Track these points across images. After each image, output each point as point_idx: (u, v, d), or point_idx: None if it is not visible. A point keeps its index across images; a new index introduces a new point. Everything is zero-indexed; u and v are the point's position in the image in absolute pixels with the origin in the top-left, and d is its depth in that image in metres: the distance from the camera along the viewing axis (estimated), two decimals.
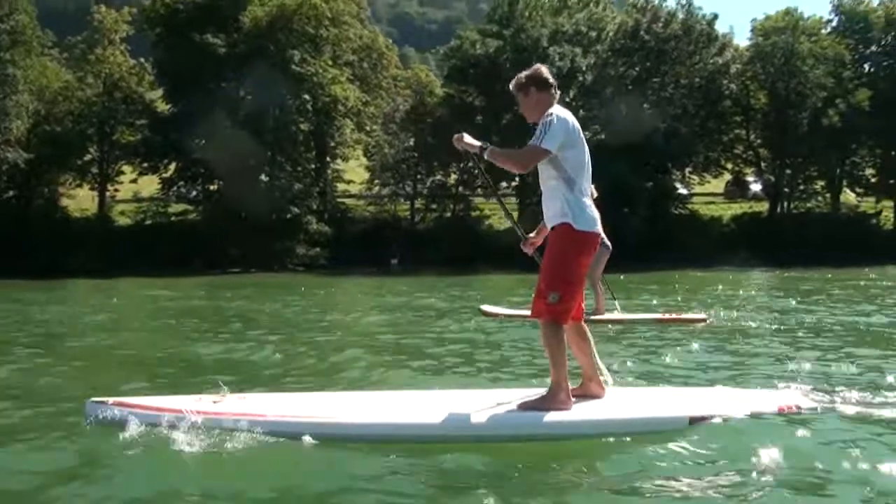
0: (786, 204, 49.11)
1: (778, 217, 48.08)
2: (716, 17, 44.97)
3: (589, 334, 5.01)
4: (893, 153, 48.66)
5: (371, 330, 11.46)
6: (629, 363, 7.16)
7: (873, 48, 49.44)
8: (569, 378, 4.72)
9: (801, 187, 49.10)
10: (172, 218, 43.51)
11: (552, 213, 4.79)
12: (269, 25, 41.51)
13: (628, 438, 4.31)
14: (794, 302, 14.89)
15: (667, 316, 11.33)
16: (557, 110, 4.74)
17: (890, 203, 49.89)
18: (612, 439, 4.32)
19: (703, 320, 10.87)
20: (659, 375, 6.62)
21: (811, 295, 17.24)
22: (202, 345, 9.50)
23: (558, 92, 4.90)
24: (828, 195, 49.32)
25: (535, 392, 4.83)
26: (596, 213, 4.84)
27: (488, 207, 48.39)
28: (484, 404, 4.66)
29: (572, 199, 4.70)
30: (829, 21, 50.07)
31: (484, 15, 49.95)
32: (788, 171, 48.00)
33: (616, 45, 43.37)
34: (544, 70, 4.90)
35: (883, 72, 48.78)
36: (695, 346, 8.32)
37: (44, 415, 5.45)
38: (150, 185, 44.88)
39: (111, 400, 4.67)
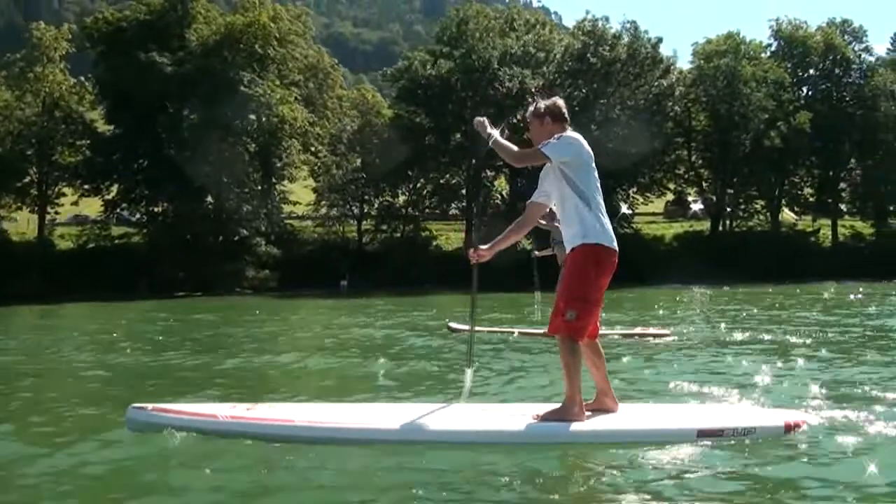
0: (727, 223, 50.20)
1: (720, 236, 49.10)
2: (660, 40, 45.83)
3: (602, 351, 5.15)
4: (831, 173, 50.24)
5: (356, 349, 11.40)
6: (617, 380, 7.14)
7: (811, 72, 51.01)
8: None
9: (742, 207, 50.29)
10: (116, 241, 42.40)
11: (571, 233, 4.92)
12: (216, 44, 40.93)
13: (639, 450, 4.44)
14: (755, 312, 15.59)
15: (634, 331, 11.57)
16: (569, 132, 4.96)
17: (827, 221, 51.40)
18: (621, 450, 4.47)
19: (668, 335, 11.24)
20: (648, 391, 6.71)
21: (770, 309, 17.80)
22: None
23: (570, 126, 5.04)
24: (767, 214, 50.61)
25: (546, 406, 5.03)
26: (612, 234, 4.94)
27: (436, 228, 48.47)
28: (503, 416, 4.98)
29: (591, 218, 4.84)
30: (769, 45, 51.54)
31: (433, 35, 50.15)
32: (730, 191, 49.06)
33: (564, 67, 43.79)
34: (562, 104, 5.08)
35: (820, 94, 50.38)
36: (676, 363, 8.49)
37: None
38: (92, 207, 43.74)
39: (151, 406, 5.02)
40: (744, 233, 49.30)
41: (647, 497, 3.74)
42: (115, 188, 42.73)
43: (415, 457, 4.40)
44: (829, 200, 50.55)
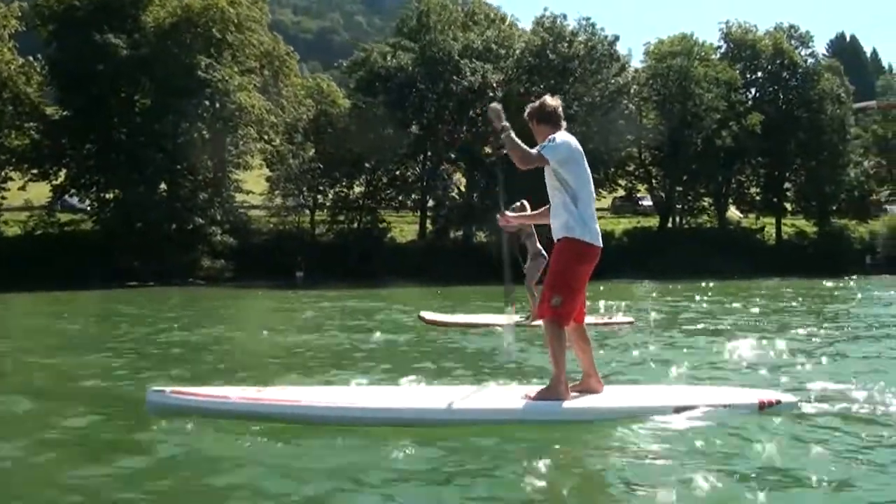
0: (677, 219, 51.23)
1: (668, 232, 50.08)
2: (617, 38, 46.46)
3: (588, 336, 5.55)
4: (776, 173, 51.66)
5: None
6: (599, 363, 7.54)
7: (759, 74, 52.29)
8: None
9: (691, 204, 51.35)
10: (65, 228, 41.13)
11: (558, 225, 5.30)
12: (172, 27, 39.97)
13: (620, 426, 4.80)
14: (704, 305, 16.63)
15: (599, 321, 11.86)
16: (560, 134, 5.26)
17: (771, 219, 52.88)
18: (605, 427, 4.83)
19: (631, 323, 11.95)
20: (623, 374, 7.13)
21: (724, 301, 18.91)
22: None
23: (564, 123, 5.37)
24: (715, 211, 51.80)
25: (532, 388, 5.39)
26: (597, 228, 5.31)
27: (390, 221, 48.38)
28: (496, 396, 5.41)
29: (577, 214, 5.20)
30: (719, 47, 52.65)
31: (373, 26, 49.96)
32: (679, 189, 50.01)
33: (523, 62, 44.01)
34: (552, 105, 5.39)
35: (768, 96, 51.69)
36: (652, 347, 9.10)
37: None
38: (40, 192, 42.40)
39: (169, 389, 5.25)
40: (693, 229, 50.38)
41: (630, 470, 4.03)
42: (63, 173, 41.37)
43: (410, 437, 4.59)
44: (775, 199, 51.99)
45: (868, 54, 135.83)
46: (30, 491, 4.09)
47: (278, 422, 4.92)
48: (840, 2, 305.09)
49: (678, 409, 4.97)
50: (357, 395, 5.59)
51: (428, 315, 12.71)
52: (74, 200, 44.98)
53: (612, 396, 5.34)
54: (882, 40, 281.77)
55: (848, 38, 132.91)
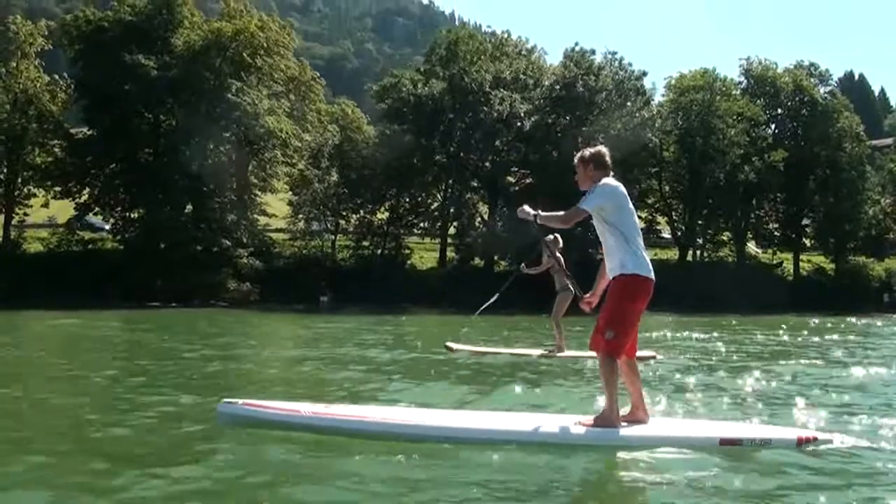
0: (698, 253, 51.21)
1: (688, 265, 49.99)
2: (645, 73, 46.73)
3: (638, 370, 5.87)
4: (795, 209, 51.80)
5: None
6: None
7: (780, 111, 52.61)
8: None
9: (711, 237, 51.35)
10: (89, 246, 40.81)
11: (613, 265, 5.62)
12: (202, 50, 40.00)
13: (667, 455, 5.09)
14: (721, 343, 16.04)
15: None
16: (607, 180, 5.63)
17: (788, 255, 52.94)
18: (653, 457, 5.08)
19: (653, 357, 11.68)
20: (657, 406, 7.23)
21: (748, 335, 19.04)
22: None
23: (610, 170, 5.70)
24: (733, 246, 51.84)
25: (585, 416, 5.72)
26: (649, 262, 5.62)
27: (415, 246, 48.30)
28: (552, 422, 5.67)
29: (630, 252, 5.53)
30: (740, 83, 52.98)
31: (424, 54, 50.22)
32: (700, 222, 50.02)
33: (552, 93, 44.15)
34: (605, 153, 5.74)
35: (787, 133, 51.96)
36: (680, 380, 9.07)
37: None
38: (65, 210, 42.13)
39: (241, 401, 5.48)
40: (714, 263, 50.36)
41: (671, 497, 4.29)
42: (86, 191, 41.13)
43: (476, 454, 5.00)
44: (793, 235, 52.09)
45: (876, 93, 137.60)
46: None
47: (346, 436, 5.26)
48: (849, 41, 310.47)
49: (723, 442, 5.27)
50: (420, 414, 5.94)
51: (454, 345, 12.61)
52: (95, 220, 44.72)
53: (659, 427, 5.65)
54: (890, 79, 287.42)
55: (857, 77, 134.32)
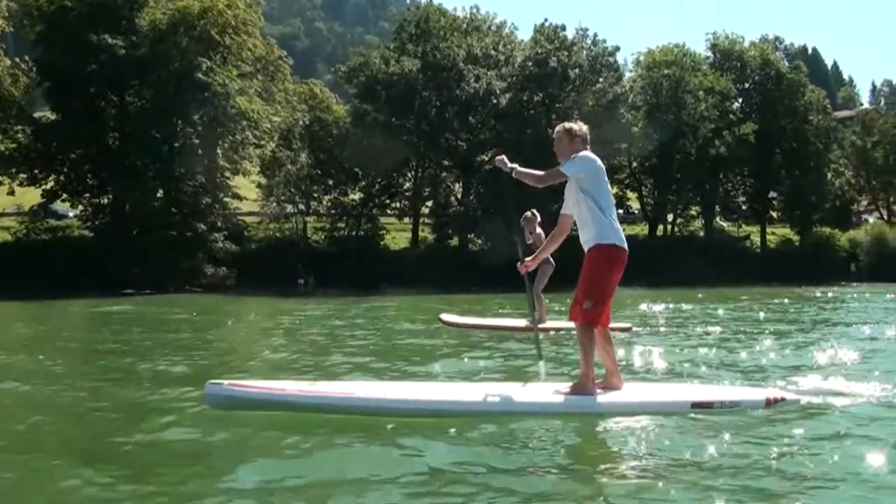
0: (668, 227, 51.67)
1: (657, 239, 50.47)
2: (618, 48, 46.71)
3: (612, 338, 6.02)
4: (762, 182, 52.47)
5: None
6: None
7: (746, 85, 53.05)
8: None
9: (680, 212, 51.86)
10: (59, 234, 39.79)
11: (588, 236, 5.73)
12: (169, 29, 38.95)
13: (642, 419, 5.22)
14: (691, 315, 16.71)
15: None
16: (584, 153, 5.74)
17: (755, 228, 53.70)
18: (626, 421, 5.23)
19: (629, 329, 12.05)
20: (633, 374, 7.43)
21: (717, 306, 19.70)
22: None
23: (588, 145, 5.83)
24: (702, 220, 52.43)
25: (561, 385, 5.90)
26: (622, 234, 5.74)
27: (390, 226, 48.04)
28: (531, 391, 5.75)
29: (606, 223, 5.62)
30: (707, 58, 53.27)
31: (393, 32, 49.55)
32: (672, 197, 50.45)
33: (525, 70, 43.96)
34: (586, 129, 5.93)
35: (754, 107, 52.47)
36: (657, 349, 9.05)
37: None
38: (32, 198, 41.00)
39: (227, 382, 5.43)
40: (684, 237, 50.88)
41: (645, 458, 4.40)
42: (53, 178, 39.98)
43: (459, 425, 5.03)
44: (760, 208, 52.79)
45: (829, 67, 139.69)
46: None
47: (331, 413, 5.27)
48: (802, 15, 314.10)
49: (695, 405, 5.44)
50: (405, 388, 6.00)
51: (447, 317, 13.18)
52: (60, 207, 43.64)
53: (634, 392, 5.81)
54: (842, 53, 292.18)
55: (810, 51, 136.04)
